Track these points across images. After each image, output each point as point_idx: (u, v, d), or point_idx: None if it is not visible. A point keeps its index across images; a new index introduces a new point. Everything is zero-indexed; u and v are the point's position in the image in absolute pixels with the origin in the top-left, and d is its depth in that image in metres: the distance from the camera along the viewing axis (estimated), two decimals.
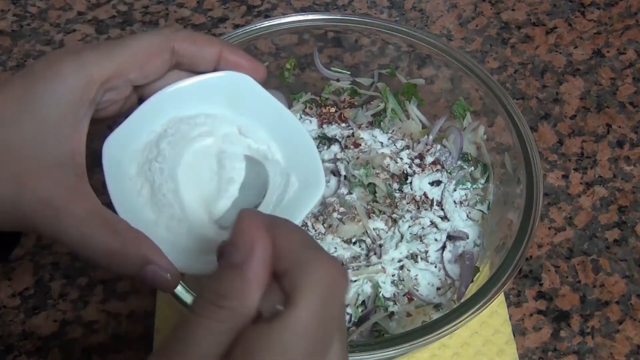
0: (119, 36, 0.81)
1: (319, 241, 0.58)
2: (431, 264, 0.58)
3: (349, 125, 0.66)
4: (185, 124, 0.41)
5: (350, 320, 0.55)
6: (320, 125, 0.66)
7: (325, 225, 0.59)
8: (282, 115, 0.43)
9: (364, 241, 0.59)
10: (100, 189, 0.38)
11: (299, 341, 0.27)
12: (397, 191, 0.62)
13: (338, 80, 0.67)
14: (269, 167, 0.41)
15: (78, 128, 0.36)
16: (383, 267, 0.56)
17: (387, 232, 0.59)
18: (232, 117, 0.42)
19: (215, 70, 0.42)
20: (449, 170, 0.63)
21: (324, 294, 0.28)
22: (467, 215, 0.61)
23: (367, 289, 0.56)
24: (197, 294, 0.29)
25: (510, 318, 0.60)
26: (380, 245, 0.58)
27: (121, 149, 0.39)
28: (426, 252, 0.58)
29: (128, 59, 0.38)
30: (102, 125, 0.41)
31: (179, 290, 0.47)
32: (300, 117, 0.66)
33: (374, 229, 0.59)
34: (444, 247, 0.59)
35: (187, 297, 0.47)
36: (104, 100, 0.38)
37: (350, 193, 0.61)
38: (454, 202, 0.61)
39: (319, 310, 0.28)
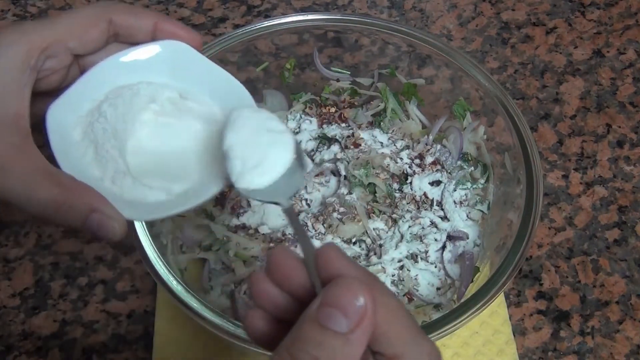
0: None
1: (318, 241, 0.58)
2: (431, 264, 0.58)
3: (349, 125, 0.66)
4: (127, 90, 0.42)
5: None
6: (320, 125, 0.66)
7: (325, 225, 0.59)
8: (222, 78, 0.44)
9: (364, 241, 0.59)
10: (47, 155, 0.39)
11: None
12: (397, 191, 0.62)
13: (338, 80, 0.67)
14: (212, 126, 0.42)
15: (21, 93, 0.38)
16: (383, 267, 0.57)
17: (387, 232, 0.59)
18: (173, 84, 0.44)
19: (152, 40, 0.43)
20: (449, 170, 0.63)
21: None
22: (467, 215, 0.61)
23: None
24: (283, 347, 0.27)
25: (510, 318, 0.60)
26: (380, 245, 0.58)
27: (64, 116, 0.41)
28: (426, 252, 0.58)
29: (67, 28, 0.40)
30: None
31: (179, 290, 0.47)
32: (300, 117, 0.66)
33: (374, 229, 0.59)
34: (444, 247, 0.59)
35: (187, 297, 0.47)
36: (45, 68, 0.40)
37: (350, 193, 0.61)
38: (454, 202, 0.61)
39: None
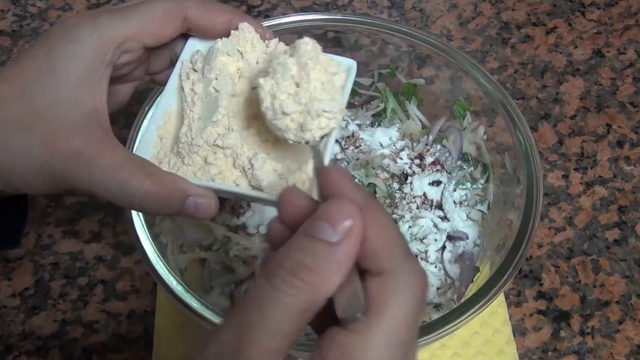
0: None
1: None
2: (431, 264, 0.58)
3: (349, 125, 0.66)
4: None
5: None
6: None
7: None
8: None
9: None
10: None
11: (396, 351, 0.27)
12: (397, 191, 0.62)
13: None
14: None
15: (97, 88, 0.38)
16: None
17: None
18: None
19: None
20: (449, 171, 0.63)
21: (416, 304, 0.28)
22: (467, 216, 0.61)
23: None
24: (269, 259, 0.28)
25: (510, 318, 0.60)
26: None
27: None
28: (426, 252, 0.58)
29: (142, 24, 0.40)
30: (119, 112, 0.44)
31: (179, 290, 0.47)
32: None
33: None
34: (444, 247, 0.59)
35: (187, 297, 0.47)
36: (120, 62, 0.40)
37: None
38: (454, 202, 0.61)
39: (413, 320, 0.28)
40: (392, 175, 0.62)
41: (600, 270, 0.64)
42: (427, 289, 0.29)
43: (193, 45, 0.43)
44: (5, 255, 0.64)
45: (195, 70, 0.43)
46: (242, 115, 0.41)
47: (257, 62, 0.43)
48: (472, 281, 0.56)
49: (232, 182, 0.40)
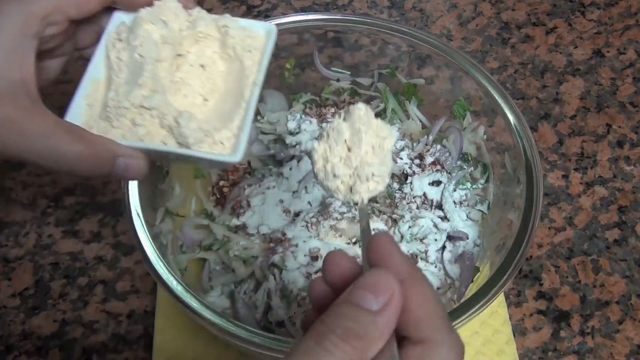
0: None
1: (319, 241, 0.58)
2: (431, 264, 0.58)
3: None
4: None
5: None
6: (320, 126, 0.66)
7: (325, 224, 0.59)
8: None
9: None
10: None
11: None
12: (397, 191, 0.62)
13: (338, 80, 0.67)
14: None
15: (24, 59, 0.39)
16: None
17: None
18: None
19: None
20: (448, 171, 0.63)
21: None
22: (467, 216, 0.61)
23: None
24: (317, 321, 0.30)
25: (510, 318, 0.60)
26: None
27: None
28: (426, 252, 0.58)
29: None
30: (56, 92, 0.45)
31: (179, 290, 0.47)
32: (301, 117, 0.66)
33: (374, 229, 0.59)
34: (444, 247, 0.59)
35: (187, 297, 0.47)
36: (46, 35, 0.41)
37: None
38: (454, 202, 0.61)
39: None
40: (392, 175, 0.62)
41: (600, 270, 0.64)
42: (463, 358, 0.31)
43: (118, 18, 0.45)
44: (5, 255, 0.64)
45: (120, 40, 0.44)
46: (168, 79, 0.43)
47: (180, 30, 0.44)
48: (472, 281, 0.56)
49: (160, 141, 0.42)
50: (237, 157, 0.41)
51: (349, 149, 0.40)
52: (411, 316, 0.30)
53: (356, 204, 0.40)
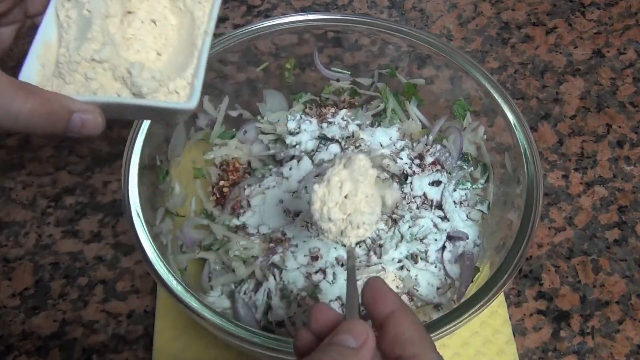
0: None
1: (320, 241, 0.58)
2: (431, 264, 0.58)
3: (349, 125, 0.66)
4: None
5: None
6: (320, 126, 0.66)
7: None
8: None
9: (364, 241, 0.59)
10: None
11: None
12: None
13: (338, 80, 0.67)
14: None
15: None
16: (383, 267, 0.56)
17: (387, 232, 0.59)
18: None
19: None
20: (449, 171, 0.63)
21: None
22: (467, 216, 0.61)
23: None
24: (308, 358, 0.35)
25: (510, 318, 0.60)
26: (380, 246, 0.58)
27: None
28: (426, 252, 0.58)
29: None
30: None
31: (179, 290, 0.47)
32: (301, 117, 0.66)
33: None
34: (444, 247, 0.59)
35: (187, 297, 0.47)
36: None
37: None
38: (454, 202, 0.61)
39: None
40: (392, 176, 0.62)
41: (600, 270, 0.64)
42: None
43: None
44: (5, 255, 0.64)
45: (69, 0, 0.44)
46: (119, 35, 0.43)
47: None
48: (472, 281, 0.56)
49: (114, 94, 0.42)
50: (192, 104, 0.42)
51: (346, 196, 0.44)
52: (405, 337, 0.35)
53: (344, 245, 0.44)
